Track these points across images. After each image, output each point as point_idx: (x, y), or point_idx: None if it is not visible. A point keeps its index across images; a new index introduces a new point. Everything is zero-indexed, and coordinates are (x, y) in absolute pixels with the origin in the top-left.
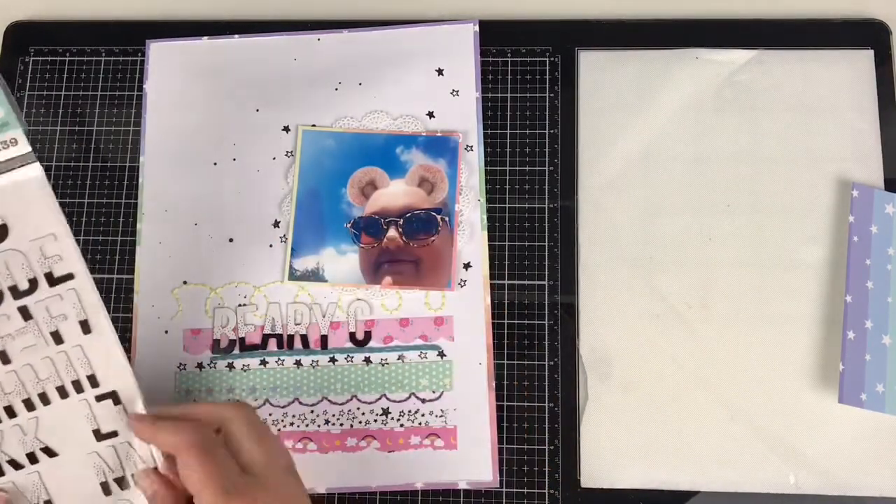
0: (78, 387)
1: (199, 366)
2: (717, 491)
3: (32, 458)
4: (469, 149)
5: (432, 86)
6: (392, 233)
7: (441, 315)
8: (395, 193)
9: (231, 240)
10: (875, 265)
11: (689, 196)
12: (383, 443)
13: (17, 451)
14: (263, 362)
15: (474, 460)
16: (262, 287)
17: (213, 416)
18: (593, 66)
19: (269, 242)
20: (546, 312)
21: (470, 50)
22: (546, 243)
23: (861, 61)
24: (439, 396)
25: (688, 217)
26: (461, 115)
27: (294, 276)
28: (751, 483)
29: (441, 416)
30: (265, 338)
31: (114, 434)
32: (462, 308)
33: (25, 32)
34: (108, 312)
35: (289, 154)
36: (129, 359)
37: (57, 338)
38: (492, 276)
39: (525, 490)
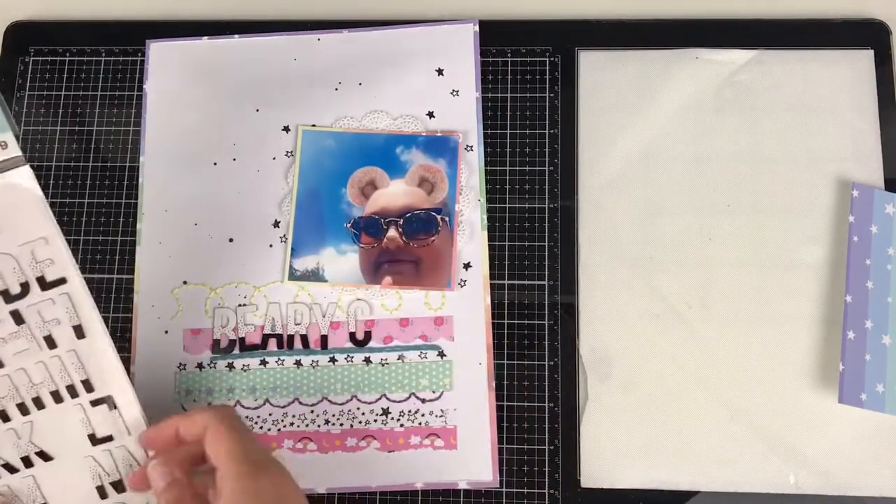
0: (72, 391)
1: (199, 366)
2: (717, 491)
3: (27, 462)
4: (469, 149)
5: (432, 86)
6: (392, 233)
7: (441, 315)
8: (395, 193)
9: (231, 240)
10: (875, 265)
11: (690, 196)
12: (383, 443)
13: (12, 455)
14: (263, 362)
15: (474, 460)
16: (262, 287)
17: (200, 419)
18: (593, 66)
19: (269, 242)
20: (546, 312)
21: (470, 50)
22: (546, 243)
23: (861, 61)
24: (439, 396)
25: (688, 217)
26: (461, 115)
27: (294, 276)
28: (751, 483)
29: (441, 416)
30: (265, 338)
31: (109, 438)
32: (462, 308)
33: (25, 32)
34: (108, 313)
35: (289, 154)
36: (129, 359)
37: (50, 342)
38: (492, 276)
39: (525, 490)
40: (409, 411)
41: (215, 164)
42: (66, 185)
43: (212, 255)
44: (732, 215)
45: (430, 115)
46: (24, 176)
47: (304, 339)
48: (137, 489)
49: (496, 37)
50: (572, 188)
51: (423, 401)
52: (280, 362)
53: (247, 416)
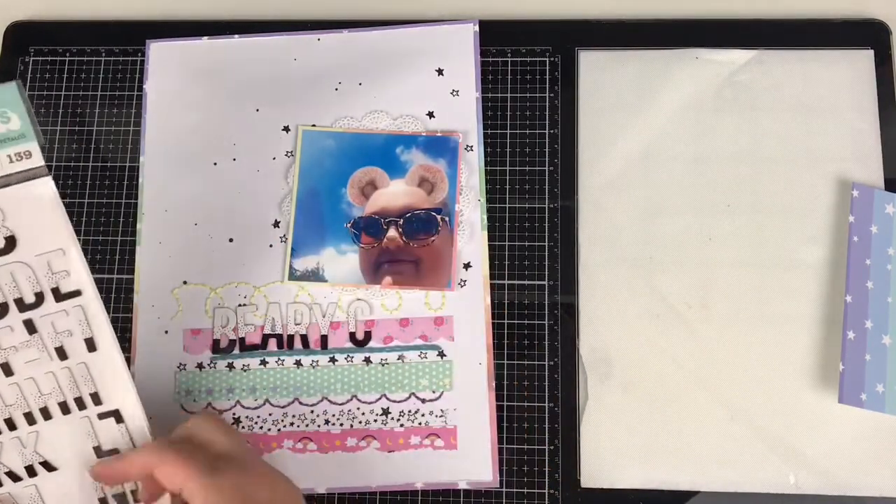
0: (80, 403)
1: (199, 366)
2: (717, 491)
3: (31, 472)
4: (469, 149)
5: (432, 86)
6: (392, 233)
7: (441, 315)
8: (395, 193)
9: (231, 240)
10: (875, 265)
11: (689, 196)
12: (383, 443)
13: (16, 464)
14: (263, 362)
15: (474, 460)
16: (262, 287)
17: (179, 431)
18: (593, 66)
19: (269, 242)
20: (546, 312)
21: (470, 50)
22: (546, 243)
23: (861, 61)
24: (439, 396)
25: (688, 217)
26: (461, 115)
27: (294, 276)
28: (751, 483)
29: (441, 416)
30: (265, 338)
31: (114, 451)
32: (462, 308)
33: (25, 32)
34: (108, 313)
35: (289, 154)
36: (129, 359)
37: (61, 353)
38: (492, 276)
39: (525, 490)
40: (409, 411)
41: (215, 164)
42: (66, 185)
43: (212, 255)
44: (732, 215)
45: (430, 115)
46: (46, 186)
47: (304, 339)
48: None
49: (496, 37)
50: (572, 188)
51: (423, 401)
52: (280, 362)
53: (247, 416)
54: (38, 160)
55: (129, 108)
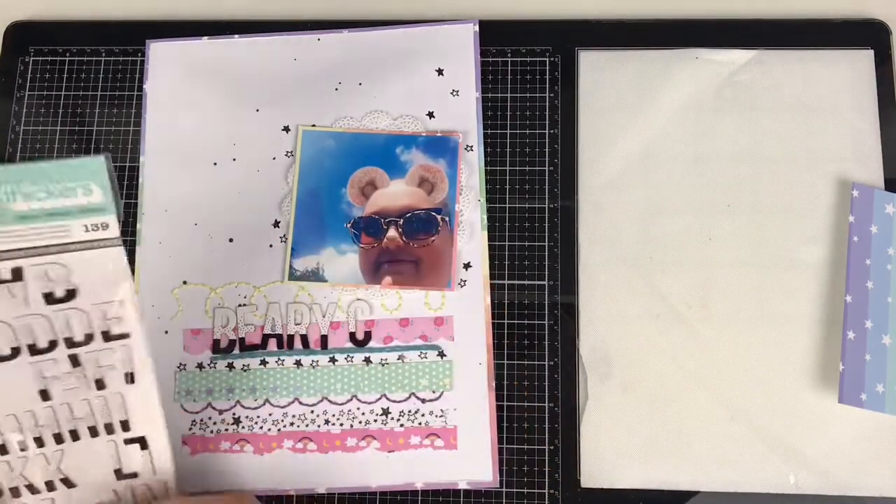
0: (109, 429)
1: (199, 366)
2: (717, 491)
3: (50, 486)
4: (469, 149)
5: (432, 86)
6: (392, 233)
7: (441, 315)
8: (395, 193)
9: (231, 240)
10: (875, 265)
11: (689, 196)
12: (383, 443)
13: (37, 478)
14: (263, 362)
15: (474, 460)
16: (262, 287)
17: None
18: (593, 66)
19: (269, 242)
20: (546, 312)
21: (470, 50)
22: (546, 243)
23: (861, 61)
24: (439, 396)
25: (688, 217)
26: (461, 115)
27: (294, 276)
28: (751, 483)
29: (441, 416)
30: (265, 338)
31: (134, 475)
32: (462, 308)
33: (25, 32)
34: None
35: (289, 154)
36: None
37: (100, 384)
38: (492, 276)
39: (525, 490)
40: (409, 411)
41: (215, 164)
42: None
43: (212, 255)
44: (732, 215)
45: (430, 115)
46: (116, 254)
47: (304, 339)
48: None
49: (496, 37)
50: (572, 188)
51: (423, 401)
52: (280, 362)
53: (247, 416)
54: (114, 232)
55: (129, 108)
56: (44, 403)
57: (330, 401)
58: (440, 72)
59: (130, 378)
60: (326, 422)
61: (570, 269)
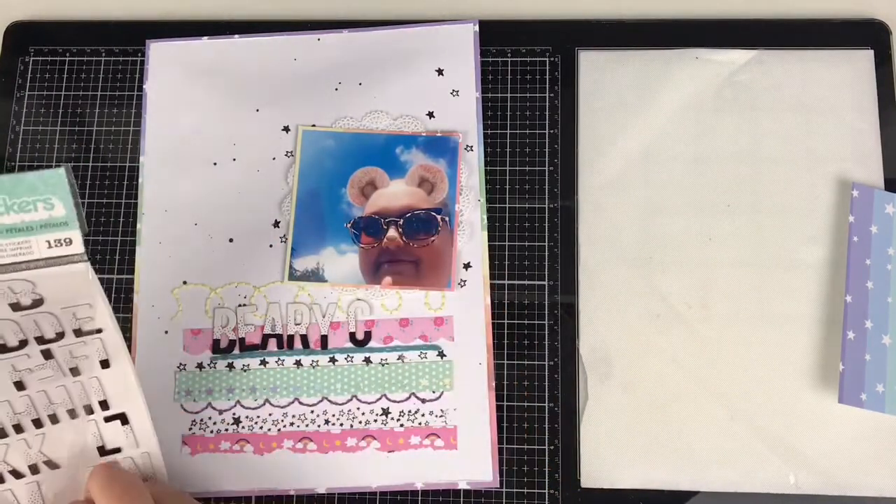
0: (89, 410)
1: (199, 366)
2: (717, 491)
3: (34, 469)
4: (469, 149)
5: (432, 86)
6: (392, 233)
7: (441, 315)
8: (395, 193)
9: (231, 240)
10: (875, 265)
11: (689, 196)
12: (383, 443)
13: (20, 463)
14: (263, 362)
15: (474, 460)
16: (262, 287)
17: (154, 487)
18: (593, 66)
19: (269, 242)
20: (546, 312)
21: (470, 50)
22: (546, 243)
23: (861, 61)
24: (439, 396)
25: (688, 217)
26: (461, 115)
27: (294, 276)
28: (751, 483)
29: (441, 416)
30: (265, 338)
31: (117, 450)
32: (462, 308)
33: (25, 32)
34: None
35: (289, 154)
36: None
37: (75, 372)
38: (492, 276)
39: (525, 490)
40: (409, 411)
41: (215, 164)
42: None
43: (212, 255)
44: (732, 215)
45: (430, 115)
46: (82, 268)
47: (304, 339)
48: None
49: (496, 37)
50: (572, 188)
51: (423, 401)
52: (280, 362)
53: (247, 416)
54: (77, 247)
55: (129, 108)
56: (19, 393)
57: (330, 401)
58: (440, 72)
59: (105, 364)
60: (326, 422)
61: (570, 269)
